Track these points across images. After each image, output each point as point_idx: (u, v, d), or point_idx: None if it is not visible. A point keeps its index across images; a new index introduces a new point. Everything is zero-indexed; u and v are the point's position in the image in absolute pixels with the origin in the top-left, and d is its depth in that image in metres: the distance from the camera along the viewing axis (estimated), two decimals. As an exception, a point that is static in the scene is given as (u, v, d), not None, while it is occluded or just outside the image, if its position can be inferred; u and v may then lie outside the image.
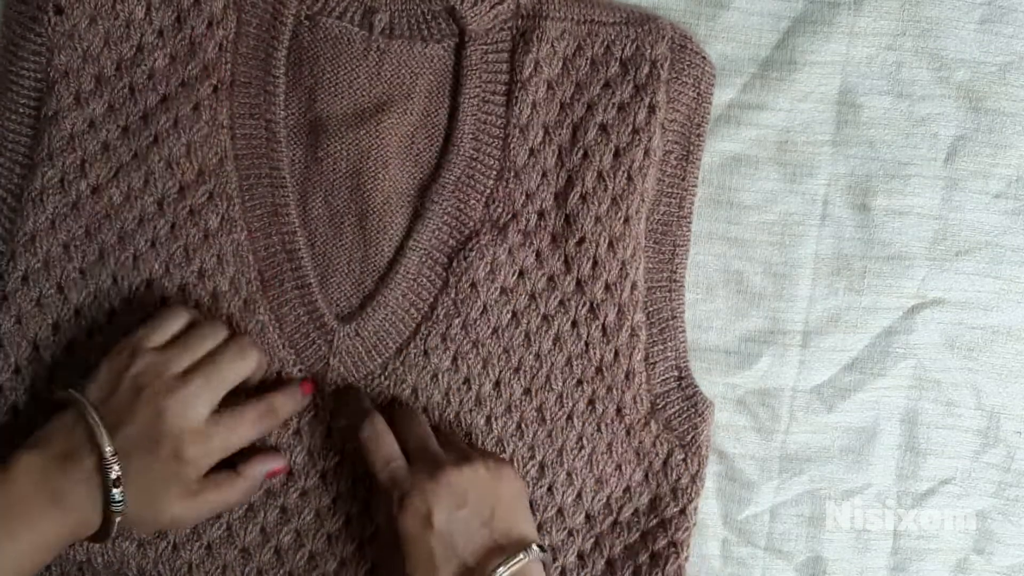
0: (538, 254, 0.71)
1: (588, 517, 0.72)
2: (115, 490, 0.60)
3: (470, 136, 0.70)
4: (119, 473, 0.60)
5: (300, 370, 0.70)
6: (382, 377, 0.70)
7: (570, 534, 0.72)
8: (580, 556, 0.72)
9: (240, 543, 0.70)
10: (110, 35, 0.68)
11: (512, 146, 0.70)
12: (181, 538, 0.70)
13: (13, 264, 0.67)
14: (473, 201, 0.71)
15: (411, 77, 0.70)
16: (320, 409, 0.70)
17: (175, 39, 0.68)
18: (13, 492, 0.59)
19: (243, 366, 0.66)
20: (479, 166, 0.71)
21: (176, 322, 0.66)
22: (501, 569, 0.62)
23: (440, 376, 0.70)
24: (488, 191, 0.71)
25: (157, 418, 0.62)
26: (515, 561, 0.62)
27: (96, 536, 0.62)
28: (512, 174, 0.70)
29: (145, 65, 0.68)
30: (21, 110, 0.68)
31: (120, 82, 0.68)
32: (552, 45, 0.70)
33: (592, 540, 0.73)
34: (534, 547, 0.63)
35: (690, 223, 0.74)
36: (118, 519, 0.61)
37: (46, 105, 0.67)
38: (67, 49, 0.67)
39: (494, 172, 0.71)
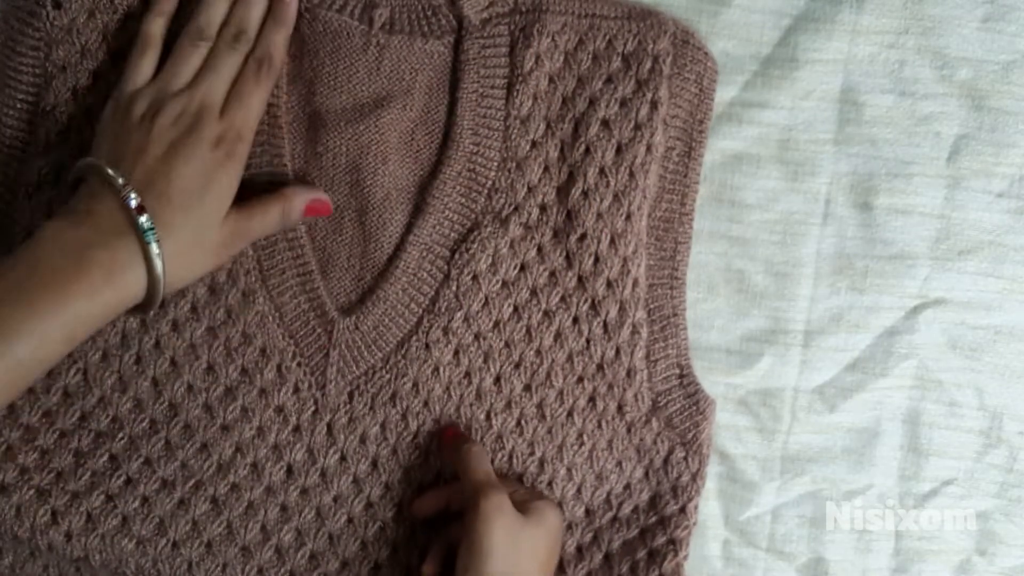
0: (540, 249, 0.70)
1: (588, 511, 0.72)
2: (141, 218, 0.58)
3: (469, 131, 0.70)
4: (138, 201, 0.58)
5: (299, 362, 0.69)
6: (383, 371, 0.70)
7: (569, 527, 0.72)
8: (579, 549, 0.73)
9: (240, 541, 0.70)
10: (108, 29, 0.67)
11: (513, 137, 0.70)
12: (181, 536, 0.69)
13: (10, 258, 0.67)
14: (475, 194, 0.70)
15: (411, 73, 0.70)
16: (320, 407, 0.70)
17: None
18: (39, 258, 0.56)
19: (235, 56, 0.65)
20: (480, 159, 0.70)
21: (151, 57, 0.65)
22: None
23: (441, 370, 0.70)
24: (490, 183, 0.70)
25: (178, 131, 0.61)
26: None
27: (145, 302, 0.60)
28: (514, 164, 0.70)
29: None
30: (18, 104, 0.68)
31: (118, 77, 0.67)
32: (553, 39, 0.69)
33: (591, 534, 0.73)
34: None
35: (692, 220, 0.74)
36: (156, 258, 0.58)
37: (43, 99, 0.67)
38: (65, 44, 0.67)
39: (495, 164, 0.70)
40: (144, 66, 0.64)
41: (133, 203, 0.58)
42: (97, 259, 0.57)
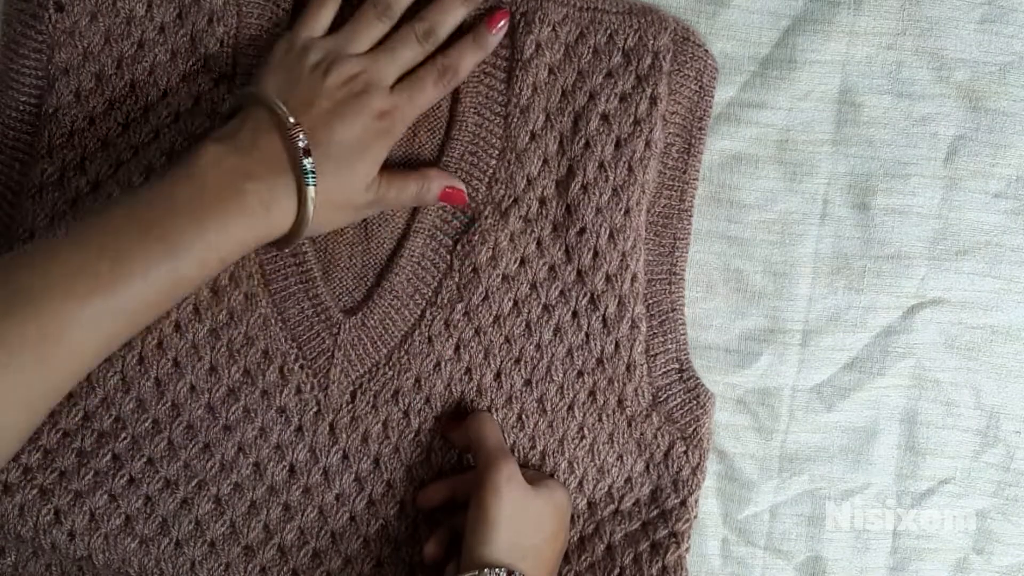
0: (539, 243, 0.71)
1: (590, 504, 0.73)
2: (305, 160, 0.59)
3: (472, 111, 0.70)
4: (306, 143, 0.59)
5: (302, 365, 0.70)
6: (387, 367, 0.70)
7: (572, 519, 0.72)
8: (581, 540, 0.73)
9: (243, 540, 0.70)
10: (111, 32, 0.68)
11: (513, 126, 0.70)
12: (184, 535, 0.69)
13: (12, 260, 0.67)
14: (476, 182, 0.71)
15: None
16: (323, 407, 0.70)
17: (176, 35, 0.68)
18: (204, 180, 0.58)
19: (418, 50, 0.66)
20: (482, 143, 0.71)
21: (331, 10, 0.66)
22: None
23: (443, 365, 0.70)
24: (491, 171, 0.71)
25: (348, 92, 0.62)
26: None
27: (284, 240, 0.61)
28: (513, 155, 0.71)
29: (146, 61, 0.68)
30: (21, 107, 0.68)
31: (121, 79, 0.68)
32: (554, 29, 0.70)
33: (593, 526, 0.73)
34: None
35: (691, 216, 0.74)
36: (311, 201, 0.60)
37: (46, 102, 0.67)
38: (68, 46, 0.67)
39: (496, 151, 0.71)
40: (323, 17, 0.66)
41: (302, 144, 0.59)
42: (255, 191, 0.58)
